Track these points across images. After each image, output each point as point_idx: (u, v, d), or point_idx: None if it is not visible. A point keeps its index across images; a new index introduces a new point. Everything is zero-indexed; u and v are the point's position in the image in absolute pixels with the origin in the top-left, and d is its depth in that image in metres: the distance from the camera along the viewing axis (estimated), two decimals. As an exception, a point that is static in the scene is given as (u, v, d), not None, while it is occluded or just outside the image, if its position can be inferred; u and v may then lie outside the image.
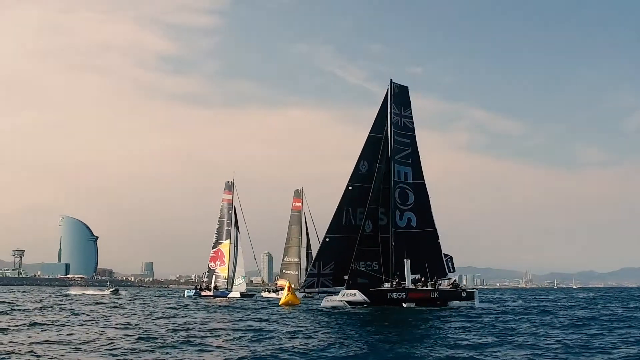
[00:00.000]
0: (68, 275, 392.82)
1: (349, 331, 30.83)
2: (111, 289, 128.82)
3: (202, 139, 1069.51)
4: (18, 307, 52.14)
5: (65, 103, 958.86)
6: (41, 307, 52.86)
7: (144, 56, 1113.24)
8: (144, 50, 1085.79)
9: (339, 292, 55.26)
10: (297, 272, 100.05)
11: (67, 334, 27.78)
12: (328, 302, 55.05)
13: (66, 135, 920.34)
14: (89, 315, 42.35)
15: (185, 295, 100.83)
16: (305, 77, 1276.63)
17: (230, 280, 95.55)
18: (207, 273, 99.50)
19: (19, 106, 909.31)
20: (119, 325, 33.19)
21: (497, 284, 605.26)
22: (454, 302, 53.90)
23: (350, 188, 57.99)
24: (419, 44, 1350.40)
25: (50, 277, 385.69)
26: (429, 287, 54.66)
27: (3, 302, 63.24)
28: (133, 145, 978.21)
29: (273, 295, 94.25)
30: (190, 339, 25.51)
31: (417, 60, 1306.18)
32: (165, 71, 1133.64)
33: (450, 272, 58.27)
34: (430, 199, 59.49)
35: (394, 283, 54.34)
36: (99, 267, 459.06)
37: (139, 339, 25.64)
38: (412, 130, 59.95)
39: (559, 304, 67.78)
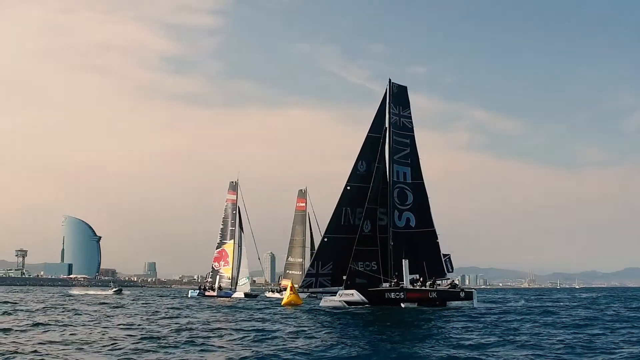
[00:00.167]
0: (71, 276, 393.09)
1: (351, 331, 30.84)
2: (114, 289, 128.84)
3: (203, 139, 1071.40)
4: (21, 307, 52.14)
5: (66, 103, 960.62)
6: (44, 307, 52.87)
7: (145, 56, 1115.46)
8: (145, 50, 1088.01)
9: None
10: (300, 272, 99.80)
11: (70, 334, 27.79)
12: (327, 302, 55.05)
13: (67, 135, 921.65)
14: (91, 315, 42.38)
15: (189, 296, 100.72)
16: (306, 77, 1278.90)
17: (234, 281, 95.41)
18: (211, 273, 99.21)
19: (19, 106, 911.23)
20: (121, 326, 33.20)
21: (500, 284, 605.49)
22: (453, 302, 53.93)
23: (348, 188, 57.97)
24: (420, 44, 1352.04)
25: (53, 277, 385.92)
26: (427, 287, 54.66)
27: (6, 302, 63.27)
28: (134, 145, 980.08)
29: (277, 295, 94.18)
30: (193, 339, 25.52)
31: (418, 60, 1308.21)
32: (166, 71, 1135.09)
33: (449, 272, 58.17)
34: (429, 199, 59.38)
35: (392, 283, 54.37)
36: (101, 267, 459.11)
37: (141, 339, 25.65)
38: (411, 130, 59.89)
39: (561, 304, 67.72)
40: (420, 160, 59.95)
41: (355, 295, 53.62)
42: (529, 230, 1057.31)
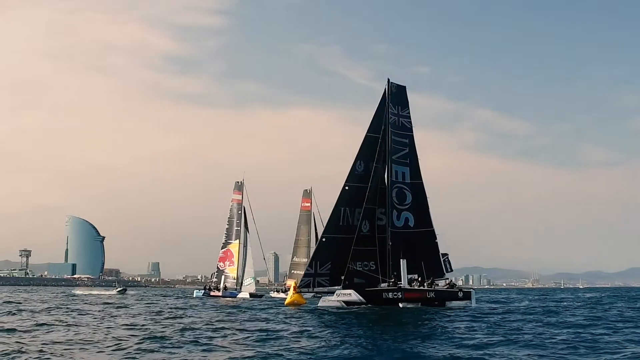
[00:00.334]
0: (75, 276, 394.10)
1: (355, 331, 30.88)
2: (118, 289, 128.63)
3: (208, 139, 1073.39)
4: (25, 308, 52.20)
5: (70, 104, 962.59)
6: (48, 308, 52.91)
7: (149, 56, 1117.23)
8: (150, 50, 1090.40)
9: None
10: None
11: (74, 334, 27.80)
12: (325, 302, 54.95)
13: (72, 136, 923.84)
14: (95, 315, 42.44)
15: (194, 296, 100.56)
16: (311, 77, 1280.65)
17: (239, 281, 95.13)
18: (216, 273, 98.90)
19: (24, 107, 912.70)
20: (125, 326, 33.24)
21: (504, 284, 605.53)
22: (451, 302, 53.93)
23: (346, 188, 57.91)
24: (426, 43, 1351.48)
25: (57, 277, 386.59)
26: (426, 287, 54.51)
27: (10, 302, 63.27)
28: (139, 146, 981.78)
29: (282, 295, 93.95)
30: (196, 339, 25.55)
31: (424, 60, 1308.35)
32: (171, 71, 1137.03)
33: (447, 271, 58.02)
34: (428, 199, 59.20)
35: (390, 283, 54.20)
36: (105, 267, 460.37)
37: (145, 339, 25.66)
38: (410, 130, 59.70)
39: (564, 303, 67.77)
40: (419, 160, 59.76)
41: (352, 295, 53.55)
42: (532, 230, 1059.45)
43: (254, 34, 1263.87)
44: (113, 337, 26.52)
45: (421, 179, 59.15)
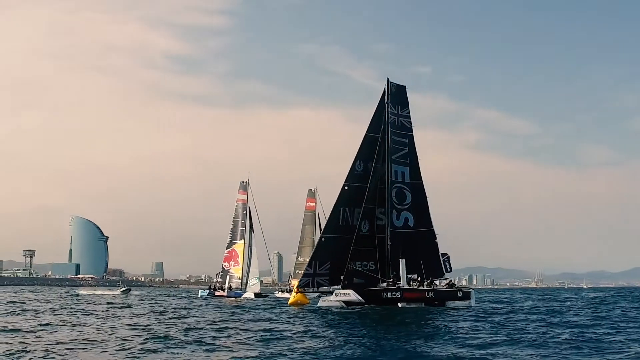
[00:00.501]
0: (78, 276, 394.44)
1: (358, 331, 30.90)
2: (122, 289, 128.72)
3: (211, 139, 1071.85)
4: (29, 308, 52.25)
5: (73, 104, 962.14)
6: (52, 308, 52.97)
7: (152, 56, 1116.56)
8: (153, 50, 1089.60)
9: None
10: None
11: (78, 334, 27.83)
12: (325, 302, 54.92)
13: (74, 136, 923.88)
14: (99, 315, 42.44)
15: (199, 295, 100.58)
16: (312, 77, 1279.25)
17: (244, 281, 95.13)
18: (221, 273, 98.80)
19: (26, 107, 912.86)
20: (129, 326, 33.26)
21: (508, 284, 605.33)
22: (450, 302, 54.02)
23: (346, 188, 57.94)
24: (427, 43, 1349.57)
25: (61, 277, 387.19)
26: (425, 287, 54.52)
27: (14, 302, 63.33)
28: (142, 146, 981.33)
29: (287, 295, 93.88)
30: (200, 339, 25.56)
31: (425, 60, 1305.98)
32: (173, 71, 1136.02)
33: (447, 271, 58.02)
34: (428, 199, 59.05)
35: (389, 283, 54.18)
36: (109, 267, 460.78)
37: (149, 339, 25.66)
38: (410, 130, 59.60)
39: (568, 303, 67.73)
40: (419, 160, 59.67)
41: (351, 295, 53.48)
42: (536, 230, 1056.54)
43: (255, 34, 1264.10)
44: (117, 337, 26.55)
45: (421, 179, 59.06)
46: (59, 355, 20.80)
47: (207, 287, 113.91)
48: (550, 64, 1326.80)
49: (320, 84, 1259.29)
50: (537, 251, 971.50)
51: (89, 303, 64.29)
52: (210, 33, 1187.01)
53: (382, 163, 57.74)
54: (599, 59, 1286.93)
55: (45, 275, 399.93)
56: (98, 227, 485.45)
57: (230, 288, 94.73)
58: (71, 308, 52.09)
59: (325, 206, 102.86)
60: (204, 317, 40.37)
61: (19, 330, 29.59)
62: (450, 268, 58.07)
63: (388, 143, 57.85)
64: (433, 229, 58.49)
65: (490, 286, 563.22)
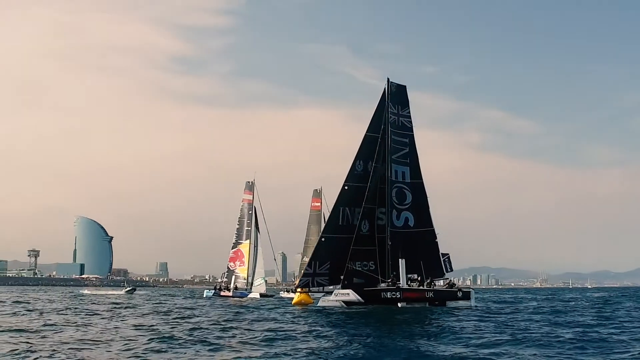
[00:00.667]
0: (83, 276, 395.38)
1: (362, 330, 30.90)
2: (127, 289, 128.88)
3: (215, 139, 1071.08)
4: (34, 308, 52.38)
5: (76, 104, 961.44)
6: (56, 308, 53.13)
7: (155, 57, 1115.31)
8: (156, 51, 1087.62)
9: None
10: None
11: (83, 334, 27.90)
12: (325, 302, 54.90)
13: (79, 136, 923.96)
14: (103, 315, 42.54)
15: (205, 296, 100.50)
16: (318, 77, 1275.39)
17: (249, 281, 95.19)
18: (226, 273, 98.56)
19: (32, 108, 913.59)
20: (133, 326, 33.33)
21: (512, 284, 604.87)
22: (450, 302, 54.07)
23: (346, 188, 57.91)
24: (433, 43, 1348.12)
25: (66, 277, 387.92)
26: (424, 287, 54.55)
27: (19, 302, 63.47)
28: (145, 146, 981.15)
29: (292, 295, 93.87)
30: (204, 339, 25.61)
31: (431, 60, 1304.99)
32: (177, 72, 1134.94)
33: (447, 271, 57.81)
34: (428, 199, 58.95)
35: (388, 283, 54.23)
36: (113, 267, 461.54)
37: (153, 339, 25.70)
38: (410, 129, 59.51)
39: (572, 303, 67.74)
40: (420, 160, 59.60)
41: (351, 295, 53.43)
42: (541, 229, 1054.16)
43: (259, 34, 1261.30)
44: (121, 337, 26.62)
45: (421, 179, 58.95)
46: (64, 355, 20.83)
47: (213, 287, 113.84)
48: (554, 64, 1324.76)
49: (324, 83, 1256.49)
50: (542, 251, 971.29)
51: (93, 303, 64.45)
52: (213, 33, 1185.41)
53: (382, 163, 57.70)
54: (603, 58, 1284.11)
55: (50, 275, 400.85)
56: (102, 227, 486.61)
57: (236, 288, 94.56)
58: (75, 308, 52.21)
59: (331, 206, 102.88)
60: (208, 317, 40.40)
61: (23, 330, 29.66)
62: (451, 268, 57.99)
63: (388, 143, 57.80)
64: (433, 229, 58.41)
65: (494, 286, 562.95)
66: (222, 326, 32.59)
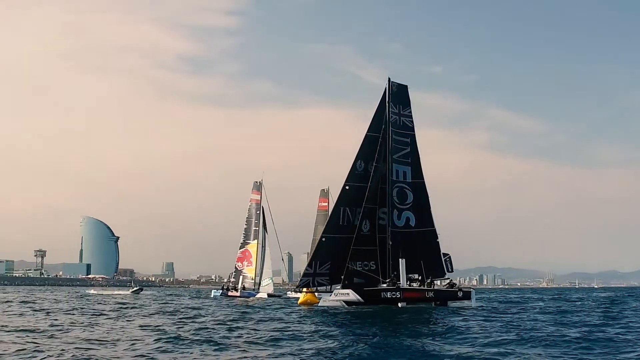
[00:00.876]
0: (89, 276, 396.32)
1: (368, 330, 30.92)
2: (134, 289, 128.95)
3: (222, 139, 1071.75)
4: (40, 308, 52.55)
5: (83, 105, 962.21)
6: (63, 308, 53.29)
7: (163, 57, 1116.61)
8: (164, 51, 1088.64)
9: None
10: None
11: (89, 334, 27.97)
12: (326, 302, 54.98)
13: (86, 136, 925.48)
14: (110, 315, 42.62)
15: (212, 296, 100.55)
16: (324, 77, 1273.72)
17: (257, 281, 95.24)
18: (234, 273, 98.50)
19: (39, 109, 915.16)
20: (139, 326, 33.40)
21: (518, 284, 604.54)
22: (450, 302, 54.08)
23: (347, 188, 57.91)
24: (439, 43, 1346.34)
25: (72, 277, 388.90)
26: (425, 287, 54.55)
27: (25, 302, 63.64)
28: (153, 147, 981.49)
29: (299, 295, 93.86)
30: (210, 339, 25.65)
31: (437, 60, 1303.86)
32: (184, 72, 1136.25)
33: (449, 271, 57.74)
34: (430, 199, 58.85)
35: (388, 282, 54.18)
36: (119, 267, 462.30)
37: (159, 338, 25.74)
38: (412, 129, 59.40)
39: (579, 303, 67.61)
40: (423, 159, 59.56)
41: (351, 295, 53.37)
42: (547, 229, 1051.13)
43: (267, 34, 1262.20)
44: (128, 337, 26.67)
45: (423, 179, 58.82)
46: (71, 355, 20.87)
47: (220, 287, 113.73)
48: (562, 63, 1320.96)
49: (330, 83, 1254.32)
50: (548, 251, 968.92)
51: (100, 303, 64.56)
52: (220, 33, 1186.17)
53: (383, 163, 57.70)
54: (611, 56, 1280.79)
55: (56, 275, 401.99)
56: (109, 228, 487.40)
57: (243, 288, 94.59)
58: (82, 308, 52.31)
59: (330, 206, 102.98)
60: (214, 317, 40.47)
61: (30, 330, 29.73)
62: (452, 268, 57.93)
63: (389, 142, 57.80)
64: (435, 229, 58.36)
65: (500, 286, 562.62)
66: (228, 326, 32.62)
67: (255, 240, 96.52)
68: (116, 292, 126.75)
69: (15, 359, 20.19)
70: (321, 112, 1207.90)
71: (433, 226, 58.28)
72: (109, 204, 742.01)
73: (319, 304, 55.40)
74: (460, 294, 55.57)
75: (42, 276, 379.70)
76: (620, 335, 27.35)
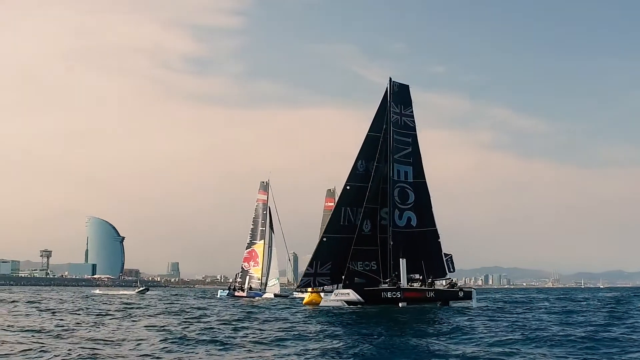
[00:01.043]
0: (95, 276, 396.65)
1: (373, 329, 30.90)
2: (140, 289, 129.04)
3: (226, 139, 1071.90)
4: (46, 308, 52.63)
5: (90, 106, 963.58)
6: (68, 308, 53.37)
7: (168, 58, 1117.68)
8: (169, 51, 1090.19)
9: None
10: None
11: (94, 334, 28.01)
12: (327, 302, 55.08)
13: (91, 137, 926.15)
14: (115, 315, 42.67)
15: (219, 296, 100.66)
16: (328, 77, 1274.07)
17: (263, 281, 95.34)
18: (240, 273, 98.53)
19: (45, 109, 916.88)
20: (145, 326, 33.45)
21: (524, 284, 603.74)
22: (451, 302, 54.17)
23: (348, 188, 58.13)
24: (441, 42, 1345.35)
25: (78, 277, 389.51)
26: (426, 287, 54.54)
27: (31, 302, 63.74)
28: (158, 147, 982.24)
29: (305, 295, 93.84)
30: (215, 339, 25.68)
31: (440, 59, 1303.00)
32: (189, 72, 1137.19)
33: (450, 271, 57.90)
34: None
35: (389, 282, 54.20)
36: (125, 267, 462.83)
37: (165, 338, 25.78)
38: (413, 129, 59.52)
39: (584, 303, 67.49)
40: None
41: (351, 295, 53.46)
42: (552, 229, 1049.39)
43: (271, 34, 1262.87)
44: (133, 337, 26.72)
45: (424, 178, 58.96)
46: (76, 355, 20.92)
47: (227, 287, 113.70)
48: (565, 62, 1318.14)
49: (334, 83, 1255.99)
50: (554, 251, 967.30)
51: (105, 303, 64.62)
52: (224, 33, 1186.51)
53: (385, 162, 57.77)
54: (615, 55, 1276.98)
55: (62, 275, 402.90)
56: (114, 228, 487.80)
57: (250, 288, 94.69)
58: (87, 308, 52.38)
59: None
60: (220, 317, 40.48)
61: (36, 330, 29.79)
62: (453, 268, 58.02)
63: (390, 142, 57.83)
64: (436, 229, 58.52)
65: (506, 286, 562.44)
66: (233, 326, 32.66)
67: (262, 241, 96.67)
68: (121, 292, 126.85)
69: (21, 359, 20.25)
70: (325, 111, 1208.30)
71: (434, 226, 58.38)
72: (114, 204, 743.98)
73: (320, 304, 55.45)
74: (461, 294, 55.60)
75: (48, 276, 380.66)
76: (625, 335, 27.29)
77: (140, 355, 20.94)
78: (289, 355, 21.06)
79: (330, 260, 56.87)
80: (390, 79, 59.36)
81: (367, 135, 58.32)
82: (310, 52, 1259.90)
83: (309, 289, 60.44)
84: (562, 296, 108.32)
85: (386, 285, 54.14)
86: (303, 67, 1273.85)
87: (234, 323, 34.80)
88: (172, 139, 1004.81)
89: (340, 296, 53.88)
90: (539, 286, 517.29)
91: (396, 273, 54.56)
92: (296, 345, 23.63)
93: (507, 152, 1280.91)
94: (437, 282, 56.46)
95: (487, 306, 56.72)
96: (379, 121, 58.44)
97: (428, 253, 56.72)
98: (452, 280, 57.93)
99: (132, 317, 40.61)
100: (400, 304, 51.68)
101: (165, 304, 64.94)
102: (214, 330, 30.12)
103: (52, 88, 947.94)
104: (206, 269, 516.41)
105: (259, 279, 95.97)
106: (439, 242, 58.19)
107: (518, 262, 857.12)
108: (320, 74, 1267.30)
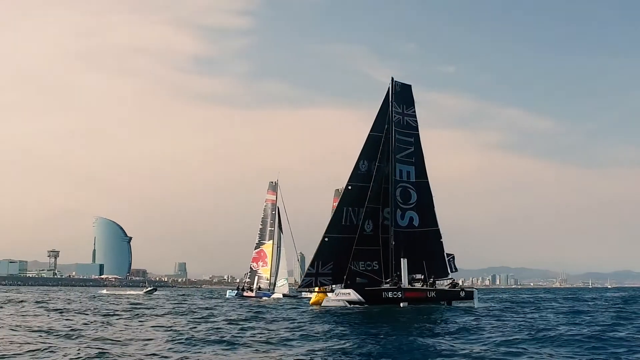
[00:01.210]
0: (102, 276, 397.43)
1: (379, 329, 30.87)
2: (148, 289, 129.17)
3: (234, 139, 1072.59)
4: (53, 308, 52.75)
5: (98, 106, 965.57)
6: (75, 308, 53.47)
7: (176, 58, 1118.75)
8: (176, 52, 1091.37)
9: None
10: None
11: (101, 334, 28.07)
12: (329, 302, 55.12)
13: (98, 137, 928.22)
14: (122, 315, 42.76)
15: (227, 296, 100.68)
16: (337, 77, 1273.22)
17: (272, 281, 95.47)
18: (249, 273, 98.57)
19: (52, 109, 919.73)
20: (152, 326, 33.52)
21: (531, 284, 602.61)
22: (453, 302, 54.10)
23: (349, 188, 58.03)
24: (451, 43, 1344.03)
25: (85, 277, 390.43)
26: (427, 287, 54.53)
27: (39, 302, 63.89)
28: (166, 147, 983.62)
29: (311, 295, 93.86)
30: (222, 339, 25.72)
31: (449, 60, 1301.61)
32: (197, 72, 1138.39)
33: (452, 272, 57.78)
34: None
35: (390, 282, 54.21)
36: (132, 267, 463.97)
37: (172, 339, 25.83)
38: (416, 129, 59.41)
39: (591, 303, 67.35)
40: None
41: (352, 295, 53.50)
42: (560, 229, 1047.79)
43: (278, 35, 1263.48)
44: (140, 337, 26.80)
45: (427, 178, 58.84)
46: (84, 354, 20.98)
47: (236, 287, 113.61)
48: (573, 62, 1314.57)
49: (343, 83, 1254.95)
50: (561, 251, 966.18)
51: (113, 303, 64.77)
52: (232, 34, 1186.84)
53: (387, 162, 57.75)
54: (624, 55, 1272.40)
55: (69, 275, 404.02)
56: (121, 228, 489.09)
57: (259, 288, 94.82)
58: (95, 308, 52.48)
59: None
60: (227, 317, 40.51)
61: (44, 330, 29.88)
62: (455, 268, 58.00)
63: (392, 142, 57.81)
64: (438, 229, 58.33)
65: (513, 286, 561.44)
66: (240, 326, 32.72)
67: (271, 241, 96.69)
68: (129, 293, 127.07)
69: (30, 359, 20.32)
70: (334, 112, 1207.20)
71: (437, 226, 58.28)
72: (121, 205, 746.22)
73: (322, 304, 55.50)
74: (462, 294, 55.59)
75: (56, 276, 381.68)
76: (632, 335, 27.23)
77: (148, 355, 20.99)
78: (295, 355, 21.06)
79: (332, 260, 56.76)
80: (392, 78, 59.37)
81: (369, 135, 58.26)
82: (318, 52, 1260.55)
83: (316, 289, 60.49)
84: (569, 296, 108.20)
85: (387, 285, 54.20)
86: (311, 67, 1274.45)
87: (241, 323, 34.86)
88: (180, 139, 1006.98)
89: (341, 296, 53.97)
90: (546, 286, 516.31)
91: (397, 273, 54.59)
92: (303, 345, 23.65)
93: (514, 152, 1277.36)
94: (439, 282, 56.53)
95: (492, 306, 56.66)
96: (381, 121, 58.40)
97: (430, 253, 56.64)
98: (454, 280, 57.97)
99: (139, 317, 40.70)
100: (401, 304, 51.70)
101: (172, 304, 65.05)
102: (221, 330, 30.15)
103: (59, 88, 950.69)
104: (213, 269, 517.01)
105: (267, 279, 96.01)
106: (442, 242, 57.99)
107: (525, 262, 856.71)
108: (329, 74, 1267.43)
